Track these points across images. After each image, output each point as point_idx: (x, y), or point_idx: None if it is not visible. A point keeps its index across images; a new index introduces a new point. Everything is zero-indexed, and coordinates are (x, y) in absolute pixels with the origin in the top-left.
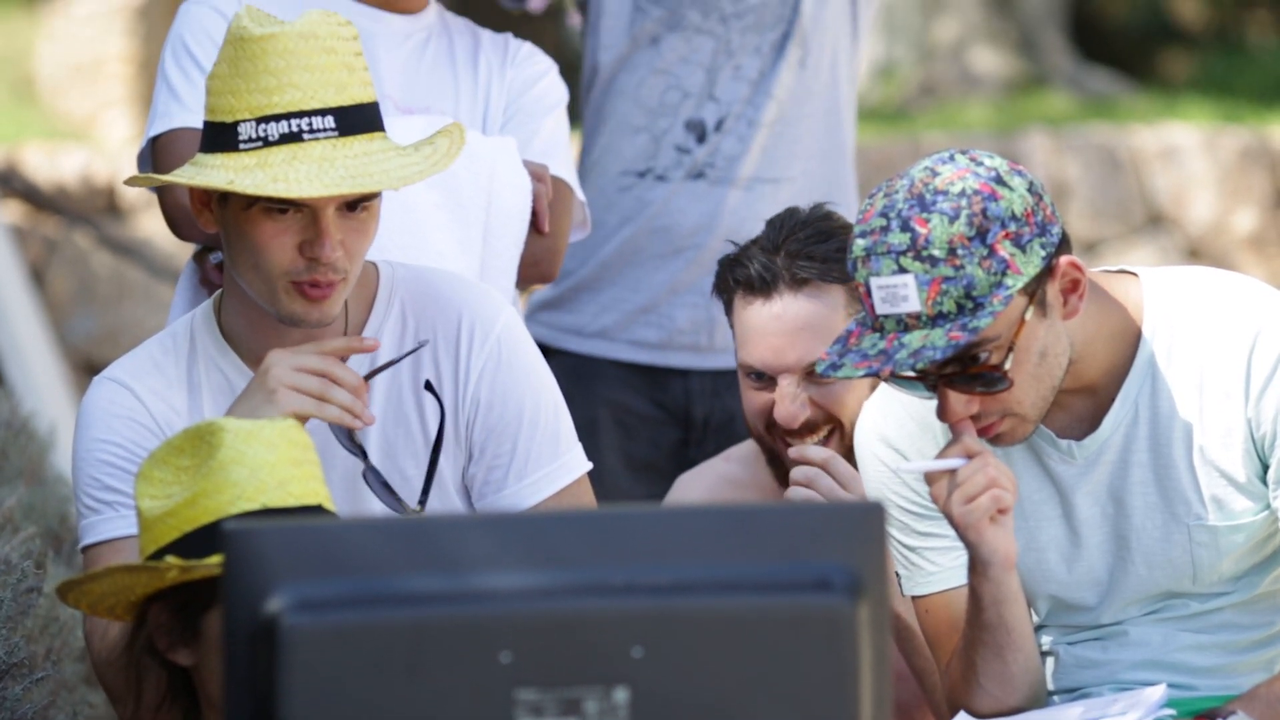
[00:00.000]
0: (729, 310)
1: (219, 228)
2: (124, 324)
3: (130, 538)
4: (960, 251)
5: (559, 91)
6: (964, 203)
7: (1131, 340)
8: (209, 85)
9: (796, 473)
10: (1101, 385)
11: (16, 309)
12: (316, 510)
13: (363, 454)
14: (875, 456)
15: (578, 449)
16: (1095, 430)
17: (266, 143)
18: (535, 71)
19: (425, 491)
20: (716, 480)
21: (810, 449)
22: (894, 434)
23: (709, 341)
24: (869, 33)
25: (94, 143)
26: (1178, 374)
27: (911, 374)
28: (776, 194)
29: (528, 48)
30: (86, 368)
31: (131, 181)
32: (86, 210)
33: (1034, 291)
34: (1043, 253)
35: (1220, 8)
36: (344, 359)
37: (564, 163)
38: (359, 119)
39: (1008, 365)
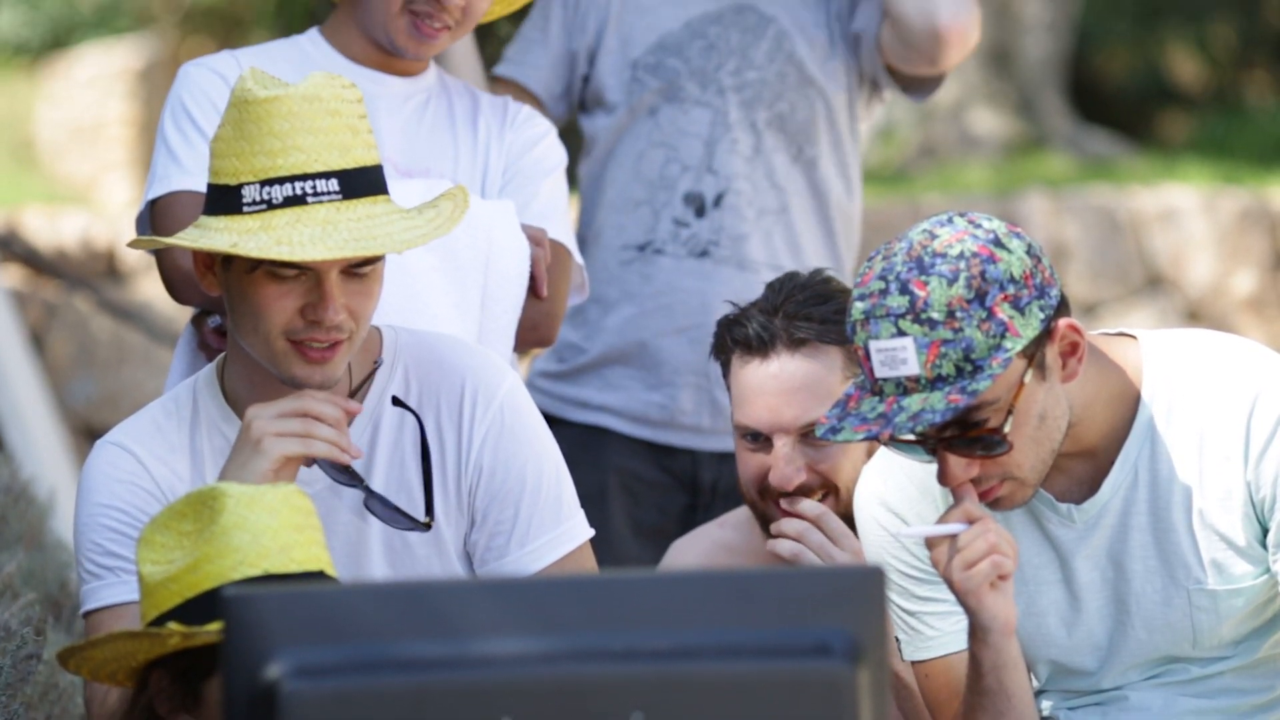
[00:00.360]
0: (726, 372)
1: (222, 291)
2: (124, 388)
3: (132, 603)
4: (959, 314)
5: (558, 154)
6: (962, 265)
7: (1131, 403)
8: (213, 148)
9: (786, 525)
10: (1101, 448)
11: (16, 373)
12: (318, 576)
13: (361, 483)
14: (875, 520)
15: (580, 515)
16: (1095, 494)
17: (270, 205)
18: (534, 134)
19: (429, 504)
20: (711, 546)
21: (805, 503)
22: (894, 498)
23: (711, 424)
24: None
25: (94, 206)
26: (1177, 437)
27: (911, 438)
28: None
29: (526, 110)
30: (86, 432)
31: (134, 244)
32: (86, 274)
33: (1033, 354)
34: (1041, 315)
35: (1218, 69)
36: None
37: (562, 226)
38: (363, 182)
39: (1007, 428)
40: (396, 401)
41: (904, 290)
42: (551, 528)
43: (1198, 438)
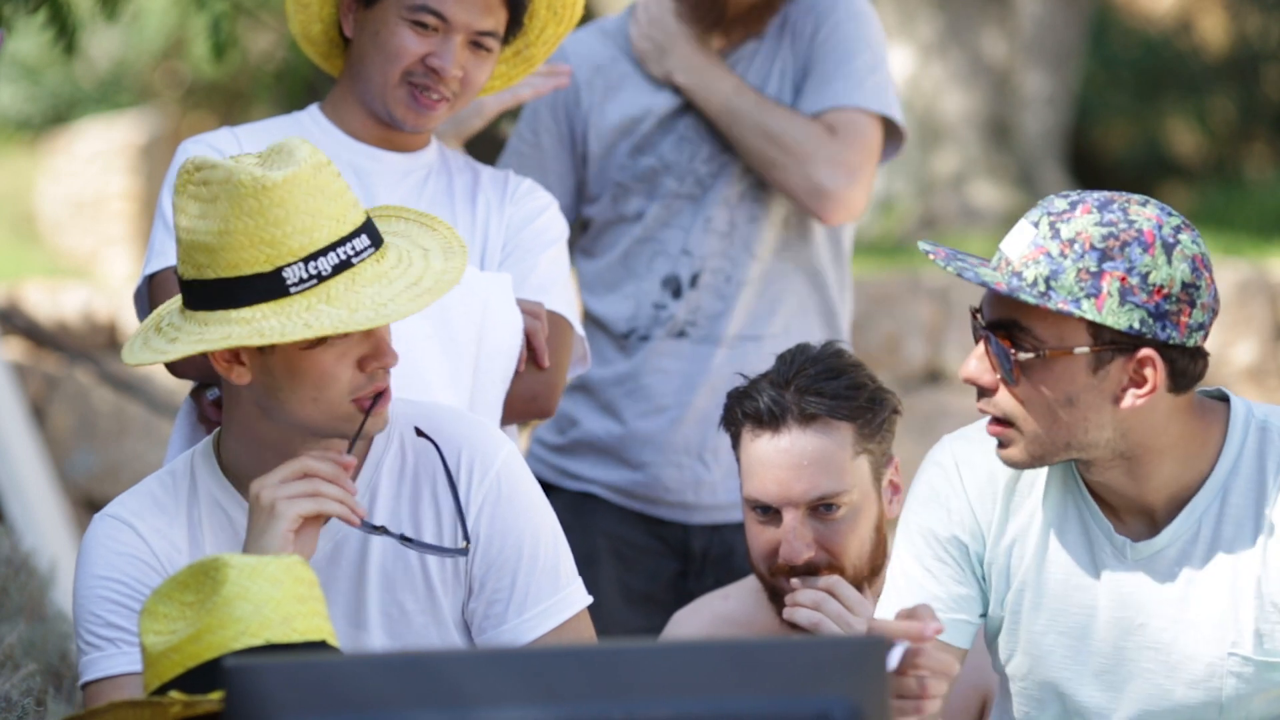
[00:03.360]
0: (736, 444)
1: (255, 377)
2: (125, 460)
3: (131, 674)
4: (1077, 247)
5: (559, 227)
6: (1124, 226)
7: (1208, 460)
8: (220, 242)
9: (802, 595)
10: (1172, 499)
11: (17, 445)
12: (320, 646)
13: (385, 530)
14: (940, 466)
15: (577, 583)
16: (1154, 536)
17: (320, 278)
18: (535, 207)
19: (464, 525)
20: (713, 618)
21: (815, 578)
22: (966, 466)
23: (695, 499)
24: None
25: (95, 280)
26: (1247, 505)
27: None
28: (760, 350)
29: (528, 184)
30: (87, 504)
31: (181, 363)
32: (87, 347)
33: (1101, 346)
34: (1138, 325)
35: (1218, 143)
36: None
37: (562, 298)
38: (376, 231)
39: (1025, 357)
40: (419, 433)
41: (1072, 205)
42: (549, 595)
43: (1269, 510)
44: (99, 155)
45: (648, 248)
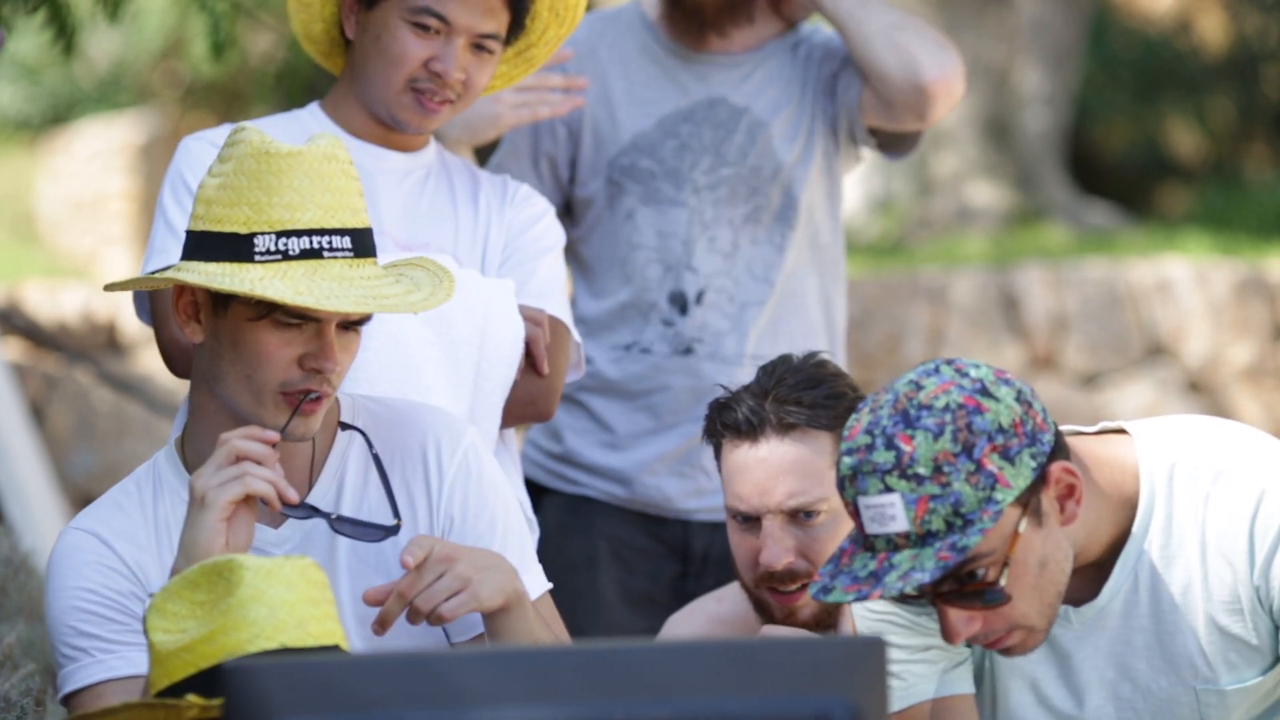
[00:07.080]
0: (718, 455)
1: (206, 338)
2: (124, 460)
3: (111, 681)
4: (946, 468)
5: (556, 233)
6: (948, 418)
7: (1129, 507)
8: (217, 196)
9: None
10: (1105, 558)
11: (16, 445)
12: (333, 650)
13: (320, 512)
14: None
15: (539, 566)
16: (1094, 598)
17: (286, 256)
18: (533, 213)
19: (393, 505)
20: (708, 620)
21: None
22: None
23: (697, 505)
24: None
25: (95, 280)
26: (1178, 540)
27: (910, 592)
28: None
29: (526, 189)
30: (86, 504)
31: (132, 284)
32: (87, 347)
33: (1027, 502)
34: (1033, 463)
35: (1217, 143)
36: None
37: (560, 303)
38: (368, 243)
39: (1003, 581)
40: (344, 426)
41: (890, 445)
42: (521, 572)
43: (1199, 541)
44: (98, 155)
45: (648, 256)
